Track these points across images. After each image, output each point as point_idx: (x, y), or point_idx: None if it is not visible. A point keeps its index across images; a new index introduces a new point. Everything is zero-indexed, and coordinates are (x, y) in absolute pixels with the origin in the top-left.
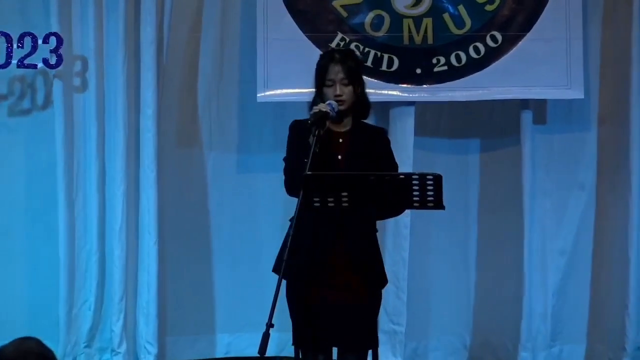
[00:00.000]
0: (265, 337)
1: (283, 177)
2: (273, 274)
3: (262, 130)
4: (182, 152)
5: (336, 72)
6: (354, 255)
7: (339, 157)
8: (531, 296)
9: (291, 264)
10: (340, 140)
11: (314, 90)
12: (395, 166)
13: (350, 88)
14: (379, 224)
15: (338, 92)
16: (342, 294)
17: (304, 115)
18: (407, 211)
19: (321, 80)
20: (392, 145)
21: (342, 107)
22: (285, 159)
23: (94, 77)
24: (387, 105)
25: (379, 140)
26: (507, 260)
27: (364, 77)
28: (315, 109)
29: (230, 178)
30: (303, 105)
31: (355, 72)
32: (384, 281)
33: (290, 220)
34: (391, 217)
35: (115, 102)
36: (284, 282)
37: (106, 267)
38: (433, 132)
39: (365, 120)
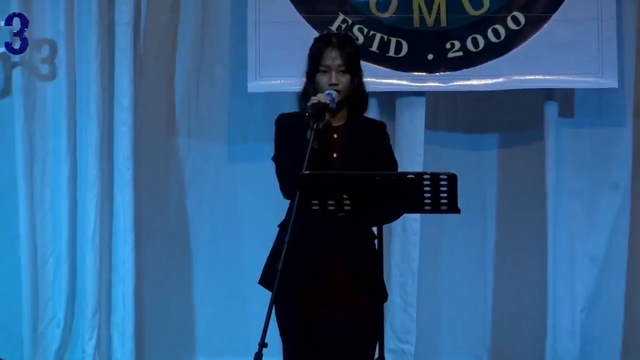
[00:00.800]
0: (258, 358)
1: (273, 178)
2: (260, 286)
3: (250, 123)
4: (161, 147)
5: (333, 57)
6: (353, 264)
7: (334, 154)
8: (557, 311)
9: (281, 275)
10: (335, 136)
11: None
12: (394, 164)
13: (347, 77)
14: (383, 229)
15: (334, 81)
16: (341, 309)
17: (295, 104)
18: (417, 216)
19: (314, 66)
20: (399, 140)
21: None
22: (274, 159)
23: (64, 63)
24: (393, 94)
25: (378, 136)
26: (530, 270)
27: (369, 65)
28: (314, 99)
29: (214, 176)
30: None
31: (354, 60)
32: (384, 295)
33: (279, 226)
34: (390, 221)
35: (87, 92)
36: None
37: (77, 278)
38: (446, 125)
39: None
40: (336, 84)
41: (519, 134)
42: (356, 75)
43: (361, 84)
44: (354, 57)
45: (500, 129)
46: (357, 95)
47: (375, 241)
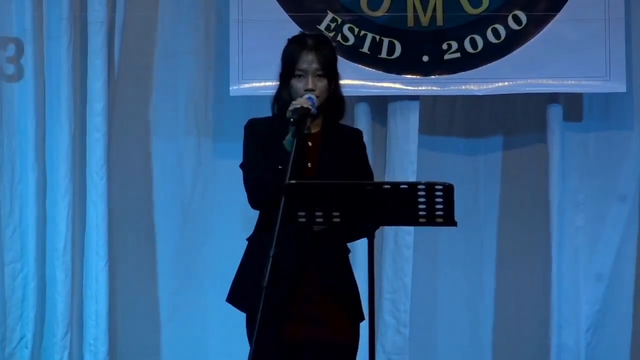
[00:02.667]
0: None
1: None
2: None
3: (236, 128)
4: (138, 155)
5: (309, 61)
6: (329, 280)
7: (308, 164)
8: (561, 331)
9: (253, 293)
10: (310, 144)
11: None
12: (370, 176)
13: (324, 82)
14: (375, 242)
15: (310, 86)
16: (317, 329)
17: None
18: (410, 229)
19: (289, 70)
20: (390, 147)
21: None
22: (243, 166)
23: (31, 63)
24: (385, 98)
25: (355, 144)
26: (532, 287)
27: (360, 67)
28: (296, 104)
29: (195, 185)
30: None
31: (331, 63)
32: (361, 314)
33: (248, 239)
34: (366, 236)
35: (58, 95)
36: (245, 316)
37: (47, 295)
38: (442, 128)
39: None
40: (312, 90)
41: (520, 139)
42: (333, 79)
43: (338, 88)
44: (331, 60)
45: (501, 133)
46: (333, 100)
47: (349, 255)
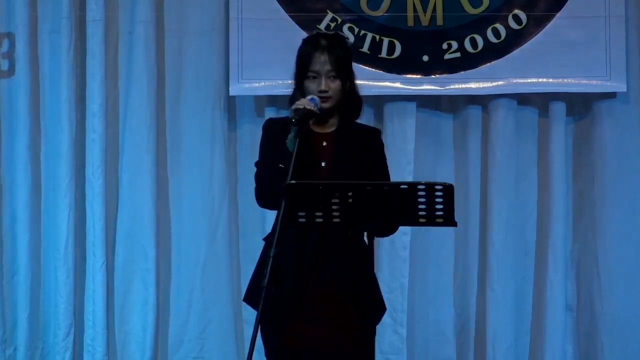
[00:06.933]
0: None
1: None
2: (239, 305)
3: (234, 129)
4: (137, 154)
5: (322, 62)
6: (342, 281)
7: (323, 163)
8: (564, 334)
9: (266, 293)
10: (324, 144)
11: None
12: (387, 176)
13: (338, 83)
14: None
15: (323, 87)
16: (329, 330)
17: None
18: (407, 229)
19: (303, 71)
20: (387, 148)
21: (326, 105)
22: (257, 164)
23: (24, 59)
24: (382, 99)
25: (372, 144)
26: (531, 288)
27: (360, 67)
28: (298, 104)
29: (197, 184)
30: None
31: (345, 64)
32: (381, 310)
33: (265, 239)
34: (385, 235)
35: (57, 94)
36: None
37: (48, 296)
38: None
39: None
40: (326, 91)
41: (520, 135)
42: (347, 79)
43: (354, 88)
44: (344, 60)
45: (500, 128)
46: (349, 100)
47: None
